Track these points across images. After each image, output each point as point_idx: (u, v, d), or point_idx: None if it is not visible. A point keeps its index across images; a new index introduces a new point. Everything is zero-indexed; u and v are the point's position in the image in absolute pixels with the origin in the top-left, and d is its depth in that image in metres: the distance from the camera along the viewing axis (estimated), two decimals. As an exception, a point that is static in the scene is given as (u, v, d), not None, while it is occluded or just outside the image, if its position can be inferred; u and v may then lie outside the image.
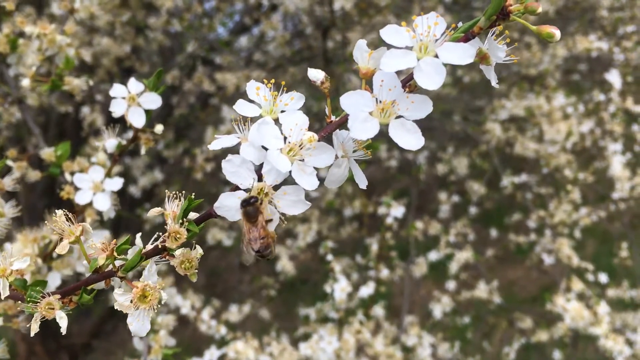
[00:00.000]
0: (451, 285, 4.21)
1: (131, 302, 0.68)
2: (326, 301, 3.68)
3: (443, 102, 4.25)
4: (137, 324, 0.68)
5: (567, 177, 3.99)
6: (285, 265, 4.16)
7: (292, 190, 0.65)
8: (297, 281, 5.08)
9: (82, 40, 3.44)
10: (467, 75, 4.46)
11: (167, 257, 0.70)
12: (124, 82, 1.14)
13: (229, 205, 0.65)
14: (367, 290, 3.27)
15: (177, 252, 0.69)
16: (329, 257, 3.24)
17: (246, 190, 0.64)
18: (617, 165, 3.77)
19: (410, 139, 0.60)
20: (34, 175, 1.59)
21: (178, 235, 0.66)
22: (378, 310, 3.50)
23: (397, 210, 3.35)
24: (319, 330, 3.02)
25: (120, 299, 0.69)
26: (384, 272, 3.48)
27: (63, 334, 0.70)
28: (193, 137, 4.70)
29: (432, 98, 0.60)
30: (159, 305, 0.69)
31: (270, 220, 0.65)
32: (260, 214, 0.64)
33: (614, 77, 3.82)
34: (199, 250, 0.70)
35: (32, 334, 0.72)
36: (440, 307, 4.05)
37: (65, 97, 3.63)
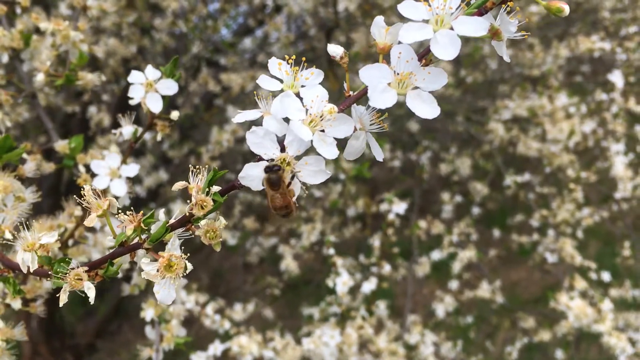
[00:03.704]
0: (454, 285, 4.23)
1: (157, 271, 0.72)
2: (326, 299, 3.70)
3: (446, 102, 4.28)
4: (164, 292, 0.71)
5: (569, 177, 4.02)
6: (289, 264, 4.18)
7: (313, 161, 0.68)
8: (300, 282, 5.10)
9: (89, 40, 3.48)
10: (470, 76, 4.50)
11: (191, 229, 0.73)
12: (129, 83, 1.18)
13: (253, 175, 0.68)
14: (369, 285, 3.29)
15: (202, 223, 0.72)
16: (331, 251, 3.27)
17: (269, 161, 0.68)
18: (620, 165, 3.78)
19: (426, 108, 0.64)
20: (48, 167, 1.63)
21: (205, 204, 0.69)
22: (381, 309, 3.52)
23: (399, 207, 3.36)
24: (322, 327, 3.04)
25: (147, 267, 0.72)
26: (386, 268, 3.50)
27: (91, 303, 0.73)
28: (198, 138, 4.74)
29: (435, 99, 0.64)
30: (184, 274, 0.72)
31: (292, 191, 0.69)
32: (282, 182, 0.67)
33: (616, 78, 3.84)
34: (222, 221, 0.73)
35: (60, 305, 0.75)
36: (443, 307, 4.07)
37: (72, 97, 3.66)
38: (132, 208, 0.78)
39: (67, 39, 1.64)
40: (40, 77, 1.62)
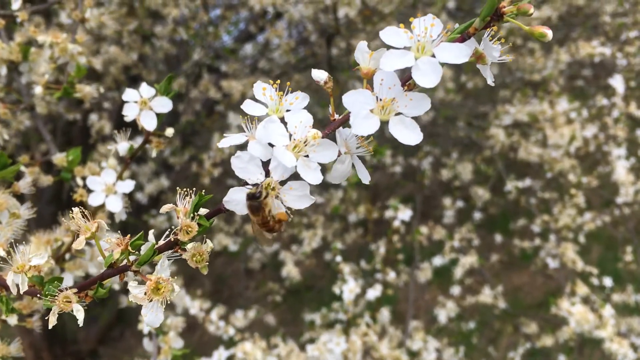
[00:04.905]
0: (456, 290, 4.22)
1: (145, 294, 0.72)
2: (332, 306, 3.70)
3: (447, 108, 4.28)
4: (151, 315, 0.72)
5: (571, 182, 4.01)
6: (290, 271, 4.19)
7: (298, 186, 0.68)
8: (302, 287, 5.10)
9: (90, 48, 3.50)
10: (470, 82, 4.49)
11: (179, 251, 0.74)
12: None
13: (237, 199, 0.68)
14: (374, 292, 3.29)
15: (189, 246, 0.72)
16: (338, 258, 3.27)
17: (254, 185, 0.68)
18: (621, 170, 3.77)
19: (409, 134, 0.64)
20: (46, 180, 1.63)
21: (190, 229, 0.70)
22: (384, 314, 3.52)
23: (405, 214, 3.37)
24: (325, 335, 3.03)
25: (135, 291, 0.72)
26: (391, 275, 3.50)
27: (80, 325, 0.73)
28: (199, 144, 4.75)
29: (436, 104, 0.64)
30: (172, 297, 0.72)
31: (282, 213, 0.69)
32: (262, 210, 0.67)
33: (617, 82, 3.84)
34: (209, 244, 0.73)
35: (50, 327, 0.76)
36: (445, 312, 4.06)
37: (73, 104, 3.68)
38: (131, 215, 0.79)
39: (65, 52, 1.64)
40: (38, 90, 1.63)
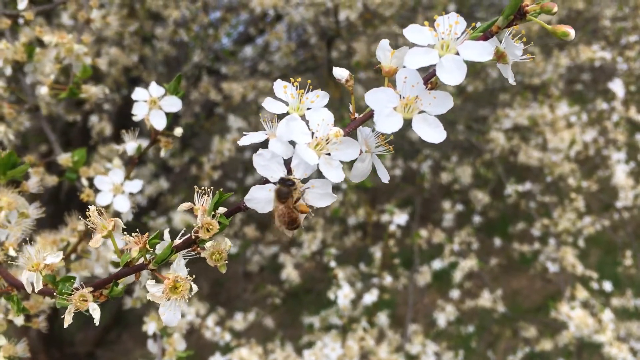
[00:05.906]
0: (455, 294, 4.22)
1: (163, 293, 0.71)
2: (330, 308, 3.69)
3: (447, 111, 4.28)
4: (169, 313, 0.71)
5: (570, 186, 4.02)
6: (290, 273, 4.18)
7: (320, 184, 0.68)
8: (301, 290, 5.09)
9: (91, 50, 3.49)
10: (470, 85, 4.50)
11: (196, 249, 0.73)
12: (130, 91, 1.18)
13: (259, 197, 0.68)
14: (370, 297, 3.29)
15: (208, 244, 0.72)
16: (332, 263, 3.26)
17: (275, 184, 0.68)
18: (621, 174, 3.79)
19: (432, 132, 0.64)
20: (51, 180, 1.63)
21: (210, 227, 0.69)
22: (382, 319, 3.51)
23: (400, 218, 3.37)
24: (323, 338, 3.03)
25: (153, 289, 0.72)
26: (388, 279, 3.50)
27: (96, 325, 0.72)
28: (198, 146, 4.74)
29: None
30: (189, 295, 0.72)
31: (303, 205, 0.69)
32: (291, 197, 0.67)
33: (617, 87, 3.85)
34: (228, 242, 0.73)
35: (65, 326, 0.75)
36: (444, 316, 4.06)
37: (73, 105, 3.66)
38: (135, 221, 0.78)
39: (70, 52, 1.64)
40: (44, 91, 1.62)
